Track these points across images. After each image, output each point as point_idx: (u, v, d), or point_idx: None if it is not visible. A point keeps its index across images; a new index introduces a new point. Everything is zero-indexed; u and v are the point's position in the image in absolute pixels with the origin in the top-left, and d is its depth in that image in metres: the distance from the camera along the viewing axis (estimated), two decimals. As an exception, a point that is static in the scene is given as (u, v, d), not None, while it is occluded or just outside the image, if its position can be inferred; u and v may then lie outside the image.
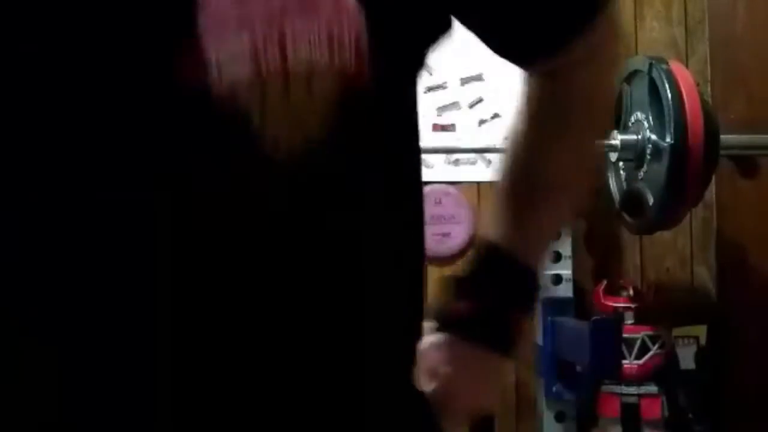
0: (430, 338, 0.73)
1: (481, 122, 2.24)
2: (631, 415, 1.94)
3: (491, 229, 0.78)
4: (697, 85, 1.75)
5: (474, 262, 0.78)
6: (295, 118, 0.49)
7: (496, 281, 0.75)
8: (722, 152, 1.75)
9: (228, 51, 0.47)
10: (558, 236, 0.81)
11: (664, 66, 1.75)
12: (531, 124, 0.76)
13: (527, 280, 0.77)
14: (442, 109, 2.22)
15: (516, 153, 0.77)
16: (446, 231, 2.10)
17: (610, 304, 2.01)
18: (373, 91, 0.51)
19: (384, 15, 0.51)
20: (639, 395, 1.94)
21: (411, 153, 0.66)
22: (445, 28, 0.62)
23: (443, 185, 2.14)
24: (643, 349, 1.95)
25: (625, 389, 1.95)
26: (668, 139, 1.68)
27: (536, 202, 0.77)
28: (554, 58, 0.67)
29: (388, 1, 0.52)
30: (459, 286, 0.77)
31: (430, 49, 0.60)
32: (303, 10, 0.48)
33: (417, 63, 0.60)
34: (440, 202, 2.13)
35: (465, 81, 2.24)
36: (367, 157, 0.55)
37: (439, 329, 0.75)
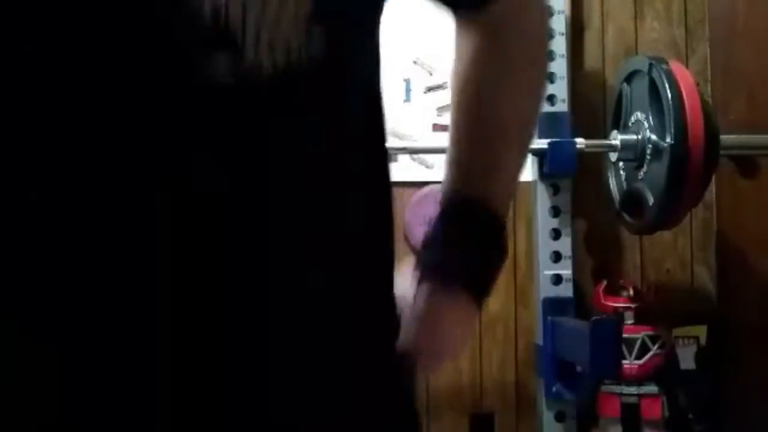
0: (407, 287, 0.77)
1: (481, 122, 2.24)
2: (631, 415, 1.94)
3: (450, 177, 0.84)
4: (697, 85, 1.75)
5: (441, 214, 0.82)
6: (273, 27, 0.50)
7: (464, 230, 0.80)
8: (722, 152, 1.75)
9: None
10: (518, 176, 0.85)
11: (664, 66, 1.75)
12: (472, 68, 0.80)
13: (494, 225, 0.81)
14: (442, 109, 2.22)
15: (462, 99, 0.81)
16: (446, 231, 2.10)
17: (610, 304, 2.01)
18: (348, 6, 0.54)
19: None
20: (639, 395, 1.94)
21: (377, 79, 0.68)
22: None
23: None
24: (643, 349, 1.95)
25: (625, 389, 1.95)
26: (668, 139, 1.68)
27: (490, 145, 0.81)
28: (486, 8, 0.75)
29: None
30: (430, 238, 0.81)
31: None
32: None
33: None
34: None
35: (465, 81, 2.23)
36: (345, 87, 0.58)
37: (415, 277, 0.78)
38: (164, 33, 0.51)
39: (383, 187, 0.68)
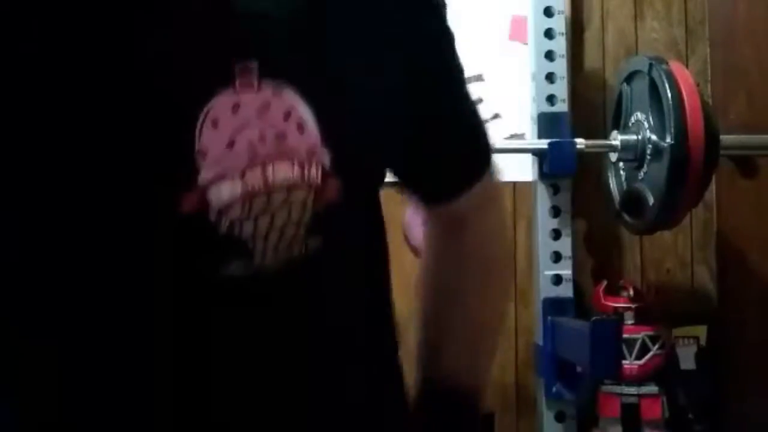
0: None
1: (481, 122, 2.24)
2: (631, 415, 1.94)
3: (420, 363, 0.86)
4: (697, 85, 1.75)
5: (417, 398, 0.83)
6: (278, 229, 0.61)
7: (441, 413, 0.83)
8: (722, 152, 1.75)
9: (222, 178, 0.59)
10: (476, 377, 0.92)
11: (664, 66, 1.75)
12: (433, 260, 0.87)
13: (468, 404, 0.84)
14: (442, 109, 2.22)
15: (423, 288, 0.88)
16: (446, 231, 2.10)
17: (610, 304, 2.01)
18: (341, 205, 0.63)
19: (344, 155, 0.63)
20: (639, 395, 1.94)
21: (380, 254, 0.77)
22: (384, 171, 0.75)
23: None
24: (644, 350, 1.95)
25: (625, 389, 1.95)
26: (668, 139, 1.68)
27: (439, 344, 0.86)
28: (453, 202, 0.81)
29: (348, 146, 0.63)
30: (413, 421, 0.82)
31: (381, 175, 0.74)
32: (280, 154, 0.60)
33: (373, 183, 0.73)
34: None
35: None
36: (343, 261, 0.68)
37: None
38: (186, 241, 0.61)
39: (383, 327, 0.78)
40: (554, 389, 1.95)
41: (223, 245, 0.60)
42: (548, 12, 2.03)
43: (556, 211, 1.98)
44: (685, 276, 2.20)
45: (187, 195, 0.58)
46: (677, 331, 2.07)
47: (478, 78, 2.25)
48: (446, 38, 0.75)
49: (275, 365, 0.66)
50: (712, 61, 2.19)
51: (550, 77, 2.01)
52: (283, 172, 0.59)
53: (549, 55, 2.02)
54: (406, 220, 2.01)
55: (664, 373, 1.97)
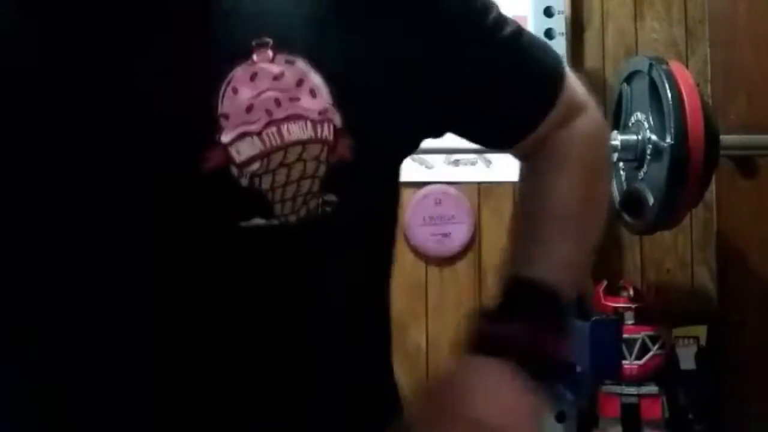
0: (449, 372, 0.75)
1: (481, 122, 2.24)
2: (631, 415, 1.94)
3: (512, 264, 0.82)
4: (697, 85, 1.75)
5: (500, 292, 0.79)
6: (294, 180, 0.66)
7: (525, 307, 0.77)
8: (722, 152, 1.75)
9: (243, 136, 0.64)
10: (578, 263, 0.86)
11: (664, 66, 1.75)
12: (528, 173, 0.86)
13: (556, 306, 0.78)
14: (442, 110, 2.22)
15: (520, 195, 0.87)
16: (446, 231, 2.10)
17: (610, 304, 2.01)
18: (355, 164, 0.68)
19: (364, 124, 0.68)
20: (639, 395, 1.94)
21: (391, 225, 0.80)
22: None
23: (443, 185, 2.14)
24: (644, 350, 1.95)
25: (625, 389, 1.95)
26: (668, 139, 1.68)
27: (550, 234, 0.83)
28: (526, 138, 0.82)
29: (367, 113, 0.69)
30: (487, 315, 0.78)
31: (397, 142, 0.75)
32: (295, 115, 0.66)
33: (388, 148, 0.74)
34: (440, 203, 2.13)
35: (465, 81, 2.24)
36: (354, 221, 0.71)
37: (465, 353, 0.74)
38: (210, 195, 0.65)
39: (382, 303, 0.80)
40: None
41: (244, 198, 0.65)
42: (548, 12, 2.04)
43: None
44: (685, 276, 2.20)
45: (211, 153, 0.64)
46: (677, 331, 2.06)
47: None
48: None
49: (290, 323, 0.70)
50: (712, 61, 2.19)
51: (550, 77, 2.01)
52: (297, 130, 0.65)
53: (549, 55, 2.02)
54: (406, 220, 2.02)
55: (664, 373, 1.97)
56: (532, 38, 0.84)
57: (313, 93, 0.66)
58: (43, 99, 0.65)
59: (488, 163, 2.22)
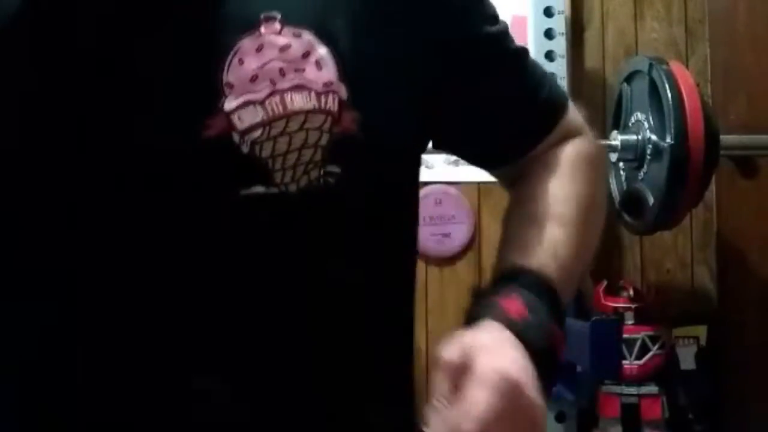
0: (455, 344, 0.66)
1: (481, 122, 2.24)
2: (631, 415, 1.94)
3: (506, 259, 0.78)
4: (697, 85, 1.75)
5: (498, 279, 0.76)
6: (295, 152, 0.66)
7: (529, 292, 0.75)
8: (722, 152, 1.75)
9: (245, 105, 0.65)
10: (576, 264, 0.85)
11: (664, 66, 1.75)
12: (527, 187, 0.82)
13: (554, 298, 0.77)
14: (442, 110, 2.22)
15: (519, 203, 0.83)
16: (446, 231, 2.10)
17: (610, 304, 2.01)
18: (360, 139, 0.67)
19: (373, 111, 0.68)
20: (639, 395, 1.94)
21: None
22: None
23: (443, 185, 2.14)
24: (643, 350, 1.95)
25: (625, 389, 1.94)
26: (668, 139, 1.68)
27: (547, 235, 0.79)
28: (519, 161, 0.82)
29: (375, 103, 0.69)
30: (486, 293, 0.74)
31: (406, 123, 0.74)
32: (299, 86, 0.66)
33: (396, 125, 0.72)
34: (440, 202, 2.13)
35: (465, 81, 2.23)
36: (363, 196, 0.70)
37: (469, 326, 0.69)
38: (211, 162, 0.65)
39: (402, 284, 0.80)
40: (554, 389, 1.94)
41: (245, 165, 0.65)
42: (548, 12, 2.04)
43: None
44: (685, 276, 2.20)
45: (214, 120, 0.64)
46: (677, 331, 2.06)
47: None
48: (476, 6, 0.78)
49: (290, 294, 0.69)
50: (712, 61, 2.19)
51: (550, 77, 2.01)
52: (300, 100, 0.65)
53: (549, 55, 2.02)
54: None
55: (664, 373, 1.97)
56: (536, 63, 0.86)
57: (318, 65, 0.66)
58: (47, 68, 0.65)
59: (488, 163, 2.21)
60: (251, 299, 0.68)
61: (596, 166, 0.86)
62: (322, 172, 0.67)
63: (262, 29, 0.66)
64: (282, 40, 0.66)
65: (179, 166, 0.65)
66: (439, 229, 2.10)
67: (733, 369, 2.03)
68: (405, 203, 0.81)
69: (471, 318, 0.70)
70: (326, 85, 0.66)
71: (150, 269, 0.66)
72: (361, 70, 0.68)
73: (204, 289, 0.67)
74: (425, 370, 2.14)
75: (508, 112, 0.80)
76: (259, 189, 0.65)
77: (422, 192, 2.12)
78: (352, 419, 0.71)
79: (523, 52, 0.83)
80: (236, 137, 0.65)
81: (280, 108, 0.65)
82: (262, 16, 0.66)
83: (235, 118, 0.65)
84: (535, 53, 2.04)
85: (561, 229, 0.80)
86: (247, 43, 0.65)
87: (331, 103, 0.66)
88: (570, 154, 0.83)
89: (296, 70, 0.66)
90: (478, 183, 2.19)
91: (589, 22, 2.24)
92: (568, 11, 2.16)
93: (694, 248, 2.20)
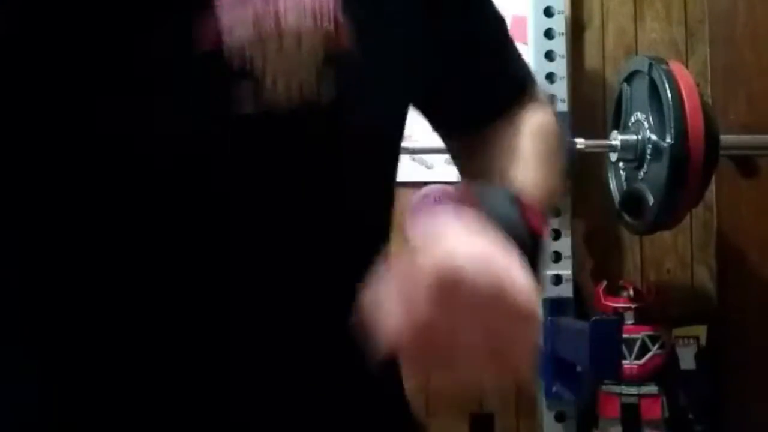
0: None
1: (481, 122, 2.24)
2: (631, 415, 1.94)
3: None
4: (697, 85, 1.75)
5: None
6: (289, 69, 0.63)
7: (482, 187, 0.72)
8: (722, 152, 1.75)
9: (237, 20, 0.63)
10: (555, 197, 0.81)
11: (664, 66, 1.75)
12: (487, 143, 0.81)
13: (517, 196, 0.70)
14: (442, 110, 2.22)
15: (480, 152, 0.82)
16: (446, 231, 2.10)
17: (610, 304, 2.01)
18: (355, 56, 0.66)
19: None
20: (639, 395, 1.94)
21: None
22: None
23: (443, 185, 2.14)
24: (643, 350, 1.95)
25: (625, 389, 1.95)
26: (668, 139, 1.68)
27: (513, 164, 0.77)
28: (481, 130, 0.82)
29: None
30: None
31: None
32: (295, 5, 0.64)
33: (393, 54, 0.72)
34: (440, 202, 2.12)
35: (465, 81, 2.24)
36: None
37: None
38: (202, 73, 0.63)
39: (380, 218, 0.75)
40: (554, 389, 1.95)
41: (235, 81, 0.63)
42: (548, 12, 2.04)
43: (556, 212, 1.98)
44: (685, 276, 2.20)
45: (205, 34, 0.62)
46: (677, 331, 2.07)
47: (478, 78, 2.25)
48: None
49: (288, 218, 0.66)
50: (712, 61, 2.19)
51: (550, 77, 2.01)
52: (294, 17, 0.64)
53: (549, 55, 2.02)
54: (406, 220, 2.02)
55: (664, 373, 1.97)
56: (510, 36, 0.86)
57: None
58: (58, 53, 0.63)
59: (488, 163, 2.22)
60: (253, 225, 0.65)
61: (556, 135, 0.86)
62: (317, 92, 0.65)
63: None
64: None
65: (176, 85, 0.63)
66: (439, 229, 2.09)
67: (733, 369, 2.03)
68: (395, 147, 0.78)
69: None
70: (323, 5, 0.65)
71: (178, 229, 0.64)
72: (357, 3, 0.67)
73: (210, 216, 0.65)
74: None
75: (485, 77, 0.81)
76: (251, 104, 0.63)
77: (422, 192, 2.12)
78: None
79: (503, 21, 0.84)
80: (227, 52, 0.63)
81: (273, 25, 0.63)
82: None
83: (225, 34, 0.63)
84: (535, 53, 2.04)
85: (529, 163, 0.78)
86: None
87: (327, 21, 0.65)
88: (530, 117, 0.83)
89: None
90: (478, 183, 2.19)
91: (589, 22, 2.24)
92: (568, 11, 2.16)
93: (694, 248, 2.20)
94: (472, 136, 0.82)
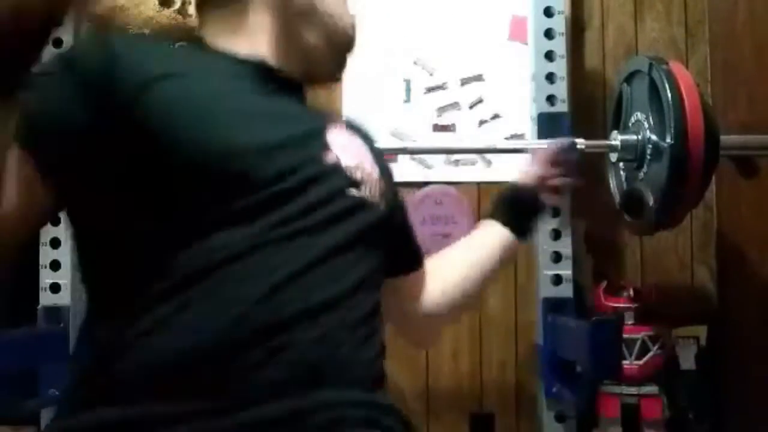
0: None
1: (481, 122, 2.24)
2: (631, 415, 1.94)
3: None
4: (697, 85, 1.75)
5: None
6: (372, 186, 0.99)
7: None
8: (722, 152, 1.75)
9: (344, 154, 0.99)
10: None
11: (664, 66, 1.74)
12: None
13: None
14: (442, 110, 2.22)
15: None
16: (446, 231, 2.10)
17: (610, 304, 2.01)
18: (382, 202, 1.02)
19: None
20: (639, 395, 1.94)
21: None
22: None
23: (443, 185, 2.14)
24: (644, 350, 1.95)
25: (625, 389, 1.95)
26: (668, 139, 1.68)
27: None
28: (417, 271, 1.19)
29: None
30: None
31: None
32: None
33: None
34: (440, 203, 2.13)
35: (465, 81, 2.24)
36: None
37: None
38: (333, 172, 0.95)
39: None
40: (554, 389, 1.95)
41: (347, 178, 0.97)
42: (548, 12, 2.04)
43: (556, 211, 1.98)
44: (685, 276, 2.20)
45: (328, 155, 0.97)
46: (677, 331, 2.07)
47: (478, 78, 2.25)
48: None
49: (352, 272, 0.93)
50: (712, 61, 2.19)
51: (550, 77, 2.01)
52: (368, 162, 1.02)
53: (549, 55, 2.02)
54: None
55: (664, 373, 1.97)
56: None
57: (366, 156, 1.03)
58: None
59: (488, 163, 2.22)
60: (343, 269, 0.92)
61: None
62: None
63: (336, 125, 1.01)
64: (346, 137, 1.01)
65: (319, 178, 0.93)
66: (439, 229, 2.10)
67: (733, 369, 2.04)
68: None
69: None
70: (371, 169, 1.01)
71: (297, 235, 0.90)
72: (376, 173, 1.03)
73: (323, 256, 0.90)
74: (425, 369, 2.15)
75: (409, 236, 1.17)
76: (355, 191, 0.96)
77: (422, 192, 2.13)
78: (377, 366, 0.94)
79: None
80: (341, 164, 0.96)
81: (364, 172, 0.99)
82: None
83: (338, 156, 0.97)
84: (535, 53, 2.04)
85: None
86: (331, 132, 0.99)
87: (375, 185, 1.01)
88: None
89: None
90: (478, 183, 2.19)
91: (589, 22, 2.24)
92: (568, 11, 2.16)
93: (694, 248, 2.21)
94: (411, 276, 1.16)
